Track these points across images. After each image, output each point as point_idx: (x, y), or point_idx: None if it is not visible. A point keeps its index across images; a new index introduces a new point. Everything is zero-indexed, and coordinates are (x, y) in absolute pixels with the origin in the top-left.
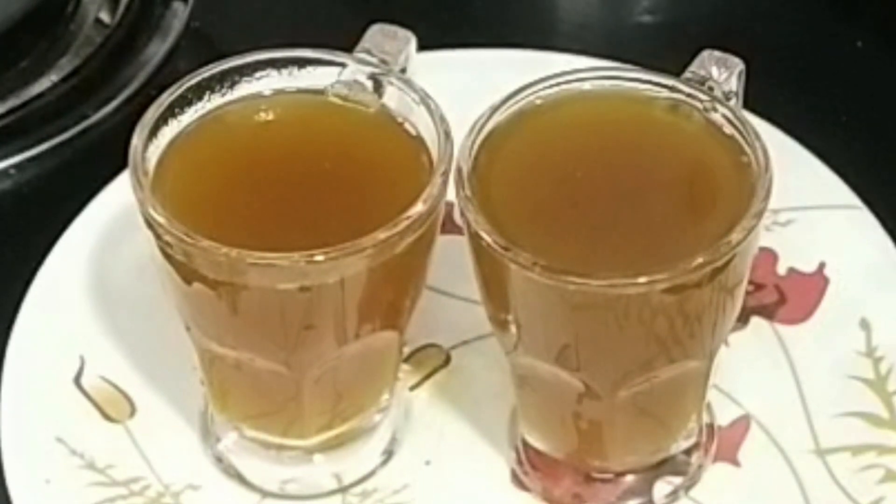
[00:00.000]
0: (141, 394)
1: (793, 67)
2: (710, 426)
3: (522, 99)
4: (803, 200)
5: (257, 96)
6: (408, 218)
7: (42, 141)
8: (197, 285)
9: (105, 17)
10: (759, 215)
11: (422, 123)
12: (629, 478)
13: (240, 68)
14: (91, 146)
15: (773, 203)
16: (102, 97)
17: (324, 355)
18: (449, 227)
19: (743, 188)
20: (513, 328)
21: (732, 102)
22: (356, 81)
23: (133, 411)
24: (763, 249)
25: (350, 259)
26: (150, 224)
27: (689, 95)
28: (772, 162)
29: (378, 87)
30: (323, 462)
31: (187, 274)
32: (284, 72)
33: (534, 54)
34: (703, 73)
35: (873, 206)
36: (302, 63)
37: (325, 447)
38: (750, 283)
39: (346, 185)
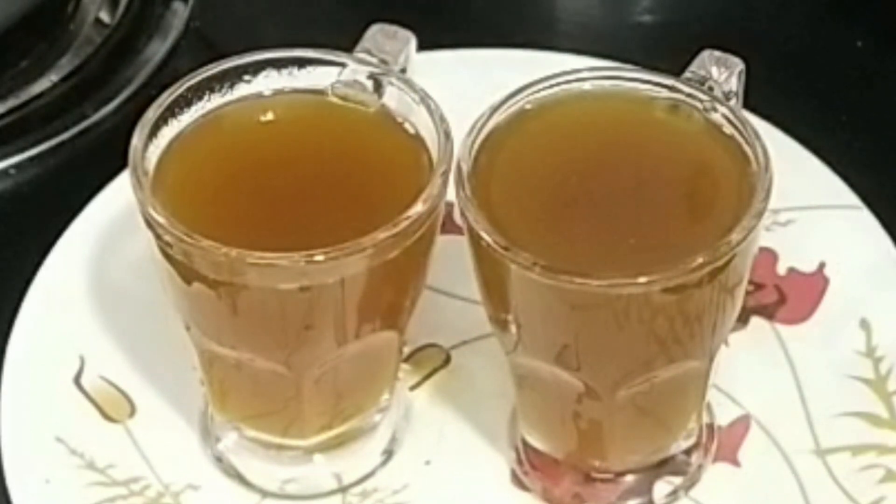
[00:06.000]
0: (141, 394)
1: (793, 67)
2: (710, 426)
3: (522, 99)
4: (803, 200)
5: (257, 96)
6: (408, 218)
7: (42, 141)
8: (197, 285)
9: (105, 17)
10: (759, 215)
11: (422, 123)
12: (629, 478)
13: (240, 68)
14: (91, 146)
15: (773, 203)
16: (102, 97)
17: (324, 355)
18: (449, 227)
19: (743, 188)
20: (513, 328)
21: (732, 102)
22: (356, 81)
23: (133, 411)
24: (763, 249)
25: (350, 259)
26: (150, 224)
27: (689, 95)
28: (772, 162)
29: (378, 87)
30: (323, 462)
31: (187, 274)
32: (284, 72)
33: (534, 54)
34: (703, 73)
35: (873, 206)
36: (302, 63)
37: (325, 447)
38: (750, 283)
39: (346, 184)
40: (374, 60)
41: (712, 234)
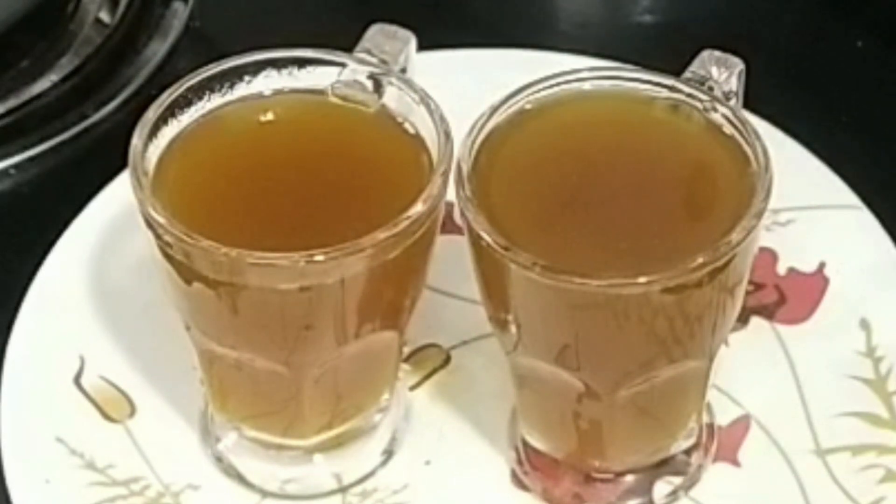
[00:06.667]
0: (141, 394)
1: (793, 67)
2: (710, 426)
3: (522, 99)
4: (803, 200)
5: (257, 96)
6: (408, 218)
7: (42, 141)
8: (197, 285)
9: (105, 17)
10: (759, 215)
11: (422, 123)
12: (629, 478)
13: (240, 68)
14: (91, 146)
15: (773, 203)
16: (102, 97)
17: (324, 355)
18: (449, 227)
19: (743, 188)
20: (513, 328)
21: (732, 102)
22: (356, 81)
23: (133, 411)
24: (763, 249)
25: (350, 259)
26: (150, 224)
27: (689, 95)
28: (772, 162)
29: (378, 87)
30: (323, 462)
31: (187, 274)
32: (284, 72)
33: (534, 54)
34: (703, 73)
35: (873, 206)
36: (302, 63)
37: (325, 447)
38: (750, 283)
39: (346, 184)
40: (374, 60)
41: (712, 234)
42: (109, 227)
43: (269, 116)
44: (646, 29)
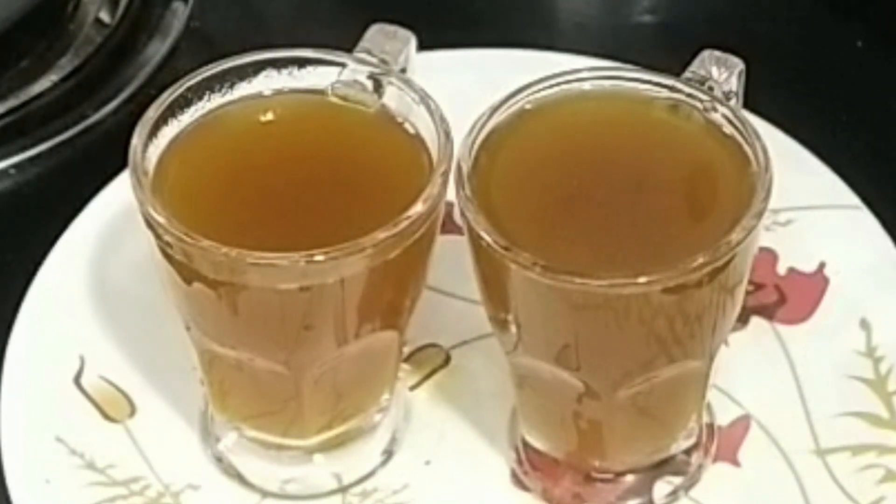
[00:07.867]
0: (141, 394)
1: (793, 67)
2: (710, 426)
3: (522, 99)
4: (803, 200)
5: (257, 96)
6: (408, 218)
7: (42, 141)
8: (197, 285)
9: (105, 17)
10: (759, 215)
11: (422, 123)
12: (629, 478)
13: (240, 68)
14: (91, 146)
15: (773, 203)
16: (102, 97)
17: (324, 355)
18: (449, 227)
19: (743, 188)
20: (513, 328)
21: (732, 102)
22: (356, 81)
23: (133, 411)
24: (763, 249)
25: (350, 259)
26: (150, 224)
27: (689, 95)
28: (772, 162)
29: (378, 87)
30: (323, 462)
31: (187, 274)
32: (284, 72)
33: (534, 54)
34: (703, 73)
35: (873, 206)
36: (302, 63)
37: (325, 447)
38: (750, 283)
39: (346, 184)
40: (374, 60)
41: (712, 234)
42: (109, 227)
43: (269, 116)
44: (646, 29)
